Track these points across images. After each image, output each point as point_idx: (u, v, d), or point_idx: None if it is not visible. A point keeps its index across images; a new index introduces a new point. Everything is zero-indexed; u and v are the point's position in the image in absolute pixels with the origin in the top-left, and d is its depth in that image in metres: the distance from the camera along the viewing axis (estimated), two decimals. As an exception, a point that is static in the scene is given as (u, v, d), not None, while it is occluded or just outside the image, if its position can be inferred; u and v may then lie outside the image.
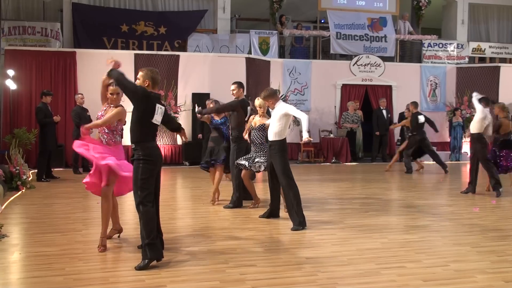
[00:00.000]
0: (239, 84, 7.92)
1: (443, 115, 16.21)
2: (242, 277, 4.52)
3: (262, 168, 7.23)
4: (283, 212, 6.97)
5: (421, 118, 12.10)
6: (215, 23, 15.69)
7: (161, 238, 5.19)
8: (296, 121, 13.43)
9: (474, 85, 16.14)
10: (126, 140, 5.47)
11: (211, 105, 8.30)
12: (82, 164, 11.39)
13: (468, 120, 13.75)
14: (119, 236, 5.85)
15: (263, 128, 7.21)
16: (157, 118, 5.01)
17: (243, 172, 7.45)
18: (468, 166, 9.79)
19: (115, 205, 5.77)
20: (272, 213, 6.97)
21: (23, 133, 11.14)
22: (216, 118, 7.96)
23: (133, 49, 14.27)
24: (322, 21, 17.37)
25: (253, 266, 4.85)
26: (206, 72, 14.09)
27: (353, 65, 15.91)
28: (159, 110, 4.99)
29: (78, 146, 5.48)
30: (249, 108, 7.97)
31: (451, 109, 15.95)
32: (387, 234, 6.17)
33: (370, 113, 15.35)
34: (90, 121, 11.27)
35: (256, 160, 7.28)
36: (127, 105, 5.29)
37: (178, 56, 14.00)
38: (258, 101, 7.25)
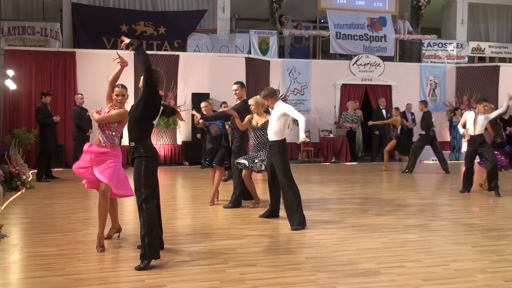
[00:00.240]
0: (241, 84, 7.90)
1: (443, 115, 16.21)
2: (242, 277, 4.52)
3: (263, 167, 7.23)
4: (283, 212, 6.96)
5: (433, 117, 12.38)
6: (215, 23, 15.69)
7: (161, 237, 5.18)
8: (296, 121, 13.41)
9: (474, 84, 16.19)
10: (125, 140, 5.46)
11: (222, 109, 8.15)
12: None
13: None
14: (118, 236, 5.85)
15: (265, 127, 7.20)
16: (157, 119, 5.04)
17: (244, 172, 7.45)
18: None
19: (115, 204, 5.77)
20: (272, 213, 6.97)
21: (22, 133, 11.14)
22: None
23: (133, 49, 14.25)
24: (322, 21, 17.37)
25: (253, 266, 4.85)
26: (205, 72, 14.09)
27: (353, 64, 15.92)
28: (160, 110, 5.02)
29: (77, 168, 5.47)
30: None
31: (450, 108, 15.97)
32: (387, 233, 6.17)
33: (370, 113, 15.36)
34: (90, 121, 11.30)
35: (256, 160, 7.28)
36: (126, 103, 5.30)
37: (177, 56, 14.00)
38: (251, 101, 7.26)
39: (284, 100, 13.24)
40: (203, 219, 7.06)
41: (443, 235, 6.18)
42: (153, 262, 4.77)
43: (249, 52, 15.11)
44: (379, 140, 15.16)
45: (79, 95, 11.56)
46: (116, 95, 5.37)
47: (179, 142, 13.93)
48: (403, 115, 14.94)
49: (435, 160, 13.32)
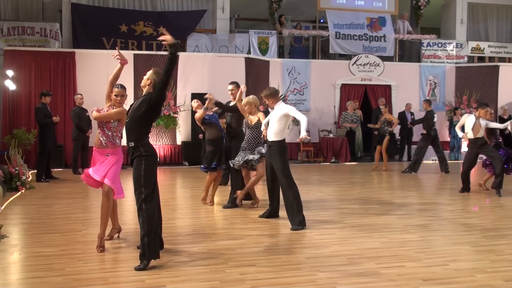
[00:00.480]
0: (237, 84, 7.95)
1: (443, 115, 16.20)
2: (242, 277, 4.52)
3: (256, 164, 7.28)
4: (282, 212, 6.96)
5: (435, 116, 12.49)
6: (214, 23, 15.70)
7: (160, 237, 5.18)
8: (296, 121, 13.43)
9: (473, 84, 16.20)
10: (125, 140, 5.48)
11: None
12: (81, 164, 11.37)
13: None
14: (118, 236, 5.85)
15: (258, 126, 7.27)
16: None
17: (244, 172, 7.48)
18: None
19: (115, 204, 5.77)
20: (272, 213, 6.97)
21: (22, 133, 11.12)
22: (209, 112, 7.84)
23: (132, 49, 14.27)
24: (321, 21, 17.36)
25: (253, 266, 4.85)
26: (205, 72, 14.09)
27: (352, 64, 15.92)
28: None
29: (85, 176, 5.53)
30: None
31: (450, 108, 15.97)
32: (387, 233, 6.17)
33: (370, 113, 15.36)
34: (90, 121, 11.30)
35: (247, 158, 7.31)
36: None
37: (177, 56, 13.97)
38: (245, 100, 7.31)
39: (284, 100, 13.24)
40: (203, 219, 7.07)
41: (442, 235, 6.18)
42: (153, 262, 4.77)
43: (249, 52, 15.12)
44: (379, 140, 15.12)
45: (78, 95, 11.56)
46: (115, 95, 5.38)
47: (178, 142, 13.93)
48: (403, 115, 14.98)
49: (435, 160, 13.34)
